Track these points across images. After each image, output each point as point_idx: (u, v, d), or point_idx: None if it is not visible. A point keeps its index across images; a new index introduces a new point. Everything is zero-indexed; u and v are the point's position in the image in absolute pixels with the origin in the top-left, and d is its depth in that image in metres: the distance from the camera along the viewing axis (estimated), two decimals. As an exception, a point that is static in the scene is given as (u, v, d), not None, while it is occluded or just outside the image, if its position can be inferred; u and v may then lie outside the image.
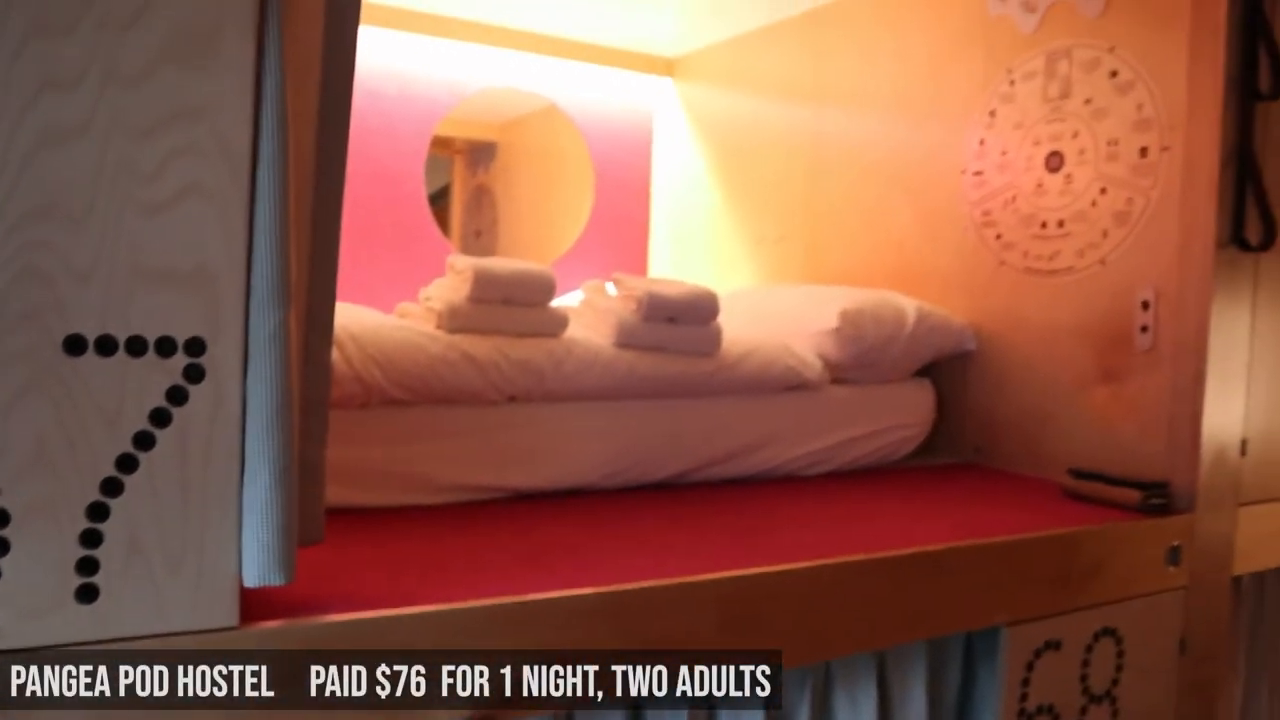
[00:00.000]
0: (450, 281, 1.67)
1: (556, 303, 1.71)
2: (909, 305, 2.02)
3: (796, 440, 1.86)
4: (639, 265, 3.27)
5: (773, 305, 2.13)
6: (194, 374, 0.87)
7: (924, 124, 2.25)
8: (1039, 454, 1.96)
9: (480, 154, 3.15)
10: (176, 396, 0.87)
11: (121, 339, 0.85)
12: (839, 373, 1.97)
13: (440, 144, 2.96)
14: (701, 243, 3.04)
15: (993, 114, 2.07)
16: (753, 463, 1.82)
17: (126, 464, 0.86)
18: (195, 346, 0.87)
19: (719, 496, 1.69)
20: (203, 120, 0.86)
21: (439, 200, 3.03)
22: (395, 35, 2.75)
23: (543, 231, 3.20)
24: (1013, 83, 2.03)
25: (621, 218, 3.22)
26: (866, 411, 1.97)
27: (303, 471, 1.05)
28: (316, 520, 1.06)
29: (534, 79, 3.02)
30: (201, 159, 0.86)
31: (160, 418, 0.87)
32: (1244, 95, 1.66)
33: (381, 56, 2.76)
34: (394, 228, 2.80)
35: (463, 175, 3.13)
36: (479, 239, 3.15)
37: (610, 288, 1.83)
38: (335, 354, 1.44)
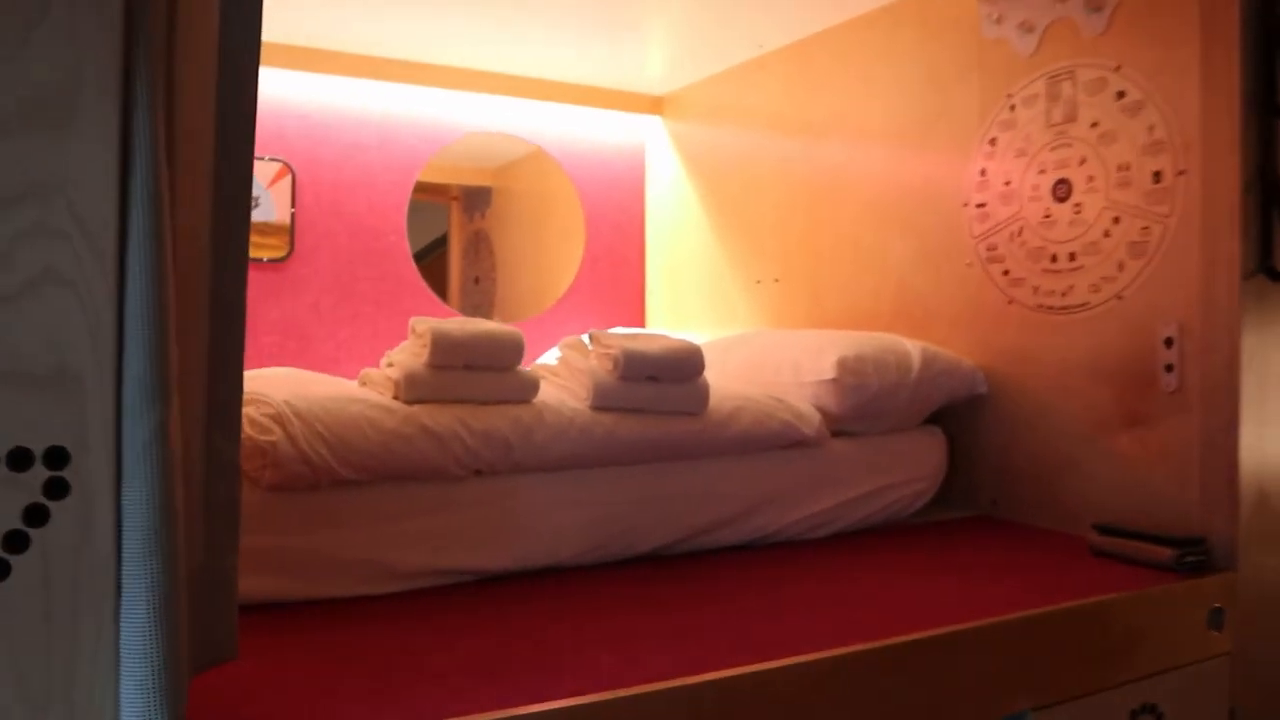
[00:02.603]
0: (411, 346, 1.55)
1: (544, 357, 1.59)
2: (913, 349, 1.88)
3: (795, 503, 1.72)
4: (636, 307, 3.16)
5: (767, 354, 1.99)
6: (56, 489, 0.75)
7: (921, 155, 2.13)
8: (1060, 506, 1.81)
9: (475, 199, 3.07)
10: (35, 517, 0.74)
11: (-33, 453, 0.72)
12: (839, 425, 1.82)
13: (435, 191, 2.89)
14: (697, 284, 2.92)
15: (993, 142, 1.94)
16: (747, 529, 1.68)
17: (-23, 599, 0.73)
18: (57, 458, 0.75)
19: (708, 571, 1.55)
20: (57, 196, 0.74)
21: (438, 248, 2.95)
22: (373, 85, 2.66)
23: (541, 276, 3.11)
24: (1013, 108, 1.91)
25: (617, 259, 3.12)
26: (871, 467, 1.82)
27: (210, 586, 0.92)
28: (228, 638, 0.94)
29: (518, 123, 2.93)
30: (56, 241, 0.74)
31: (16, 542, 0.74)
32: (1263, 112, 1.54)
33: (360, 107, 2.67)
34: (376, 283, 2.70)
35: (459, 221, 3.05)
36: (478, 285, 3.06)
37: (588, 343, 1.70)
38: (278, 432, 1.32)
